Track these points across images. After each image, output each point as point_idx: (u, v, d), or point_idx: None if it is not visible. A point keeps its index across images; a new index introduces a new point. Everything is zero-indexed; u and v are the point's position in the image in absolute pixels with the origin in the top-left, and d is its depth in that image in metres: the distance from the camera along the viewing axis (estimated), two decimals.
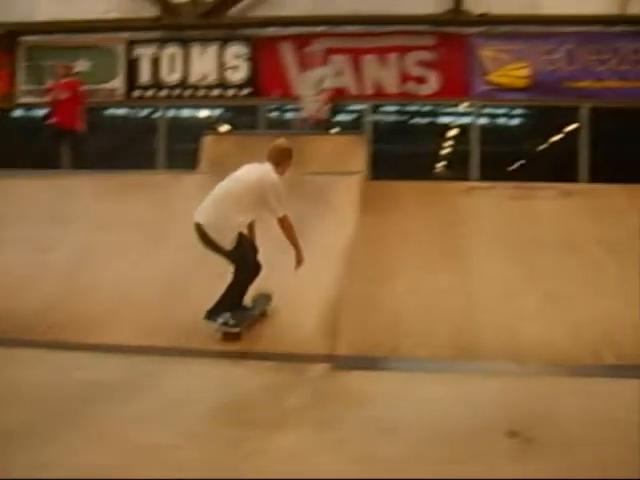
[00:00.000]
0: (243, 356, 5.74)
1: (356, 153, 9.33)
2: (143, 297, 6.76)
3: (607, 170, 12.27)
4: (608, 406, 4.40)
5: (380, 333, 5.86)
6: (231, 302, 6.16)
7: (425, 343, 5.73)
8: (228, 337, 6.07)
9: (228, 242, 6.11)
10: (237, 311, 6.19)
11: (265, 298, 6.57)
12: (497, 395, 4.65)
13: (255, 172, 6.36)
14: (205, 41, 13.06)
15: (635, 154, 12.93)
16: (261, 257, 6.37)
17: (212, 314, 6.10)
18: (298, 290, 6.50)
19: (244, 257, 6.20)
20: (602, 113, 12.81)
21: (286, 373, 5.33)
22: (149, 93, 13.26)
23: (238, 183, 6.34)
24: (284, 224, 6.27)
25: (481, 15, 12.50)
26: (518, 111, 14.68)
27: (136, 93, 13.31)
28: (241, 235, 6.24)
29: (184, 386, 4.96)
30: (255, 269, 6.30)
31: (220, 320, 6.07)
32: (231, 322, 6.07)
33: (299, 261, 6.30)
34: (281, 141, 6.62)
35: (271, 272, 6.37)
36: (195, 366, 5.52)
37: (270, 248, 6.61)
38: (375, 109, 13.61)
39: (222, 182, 6.45)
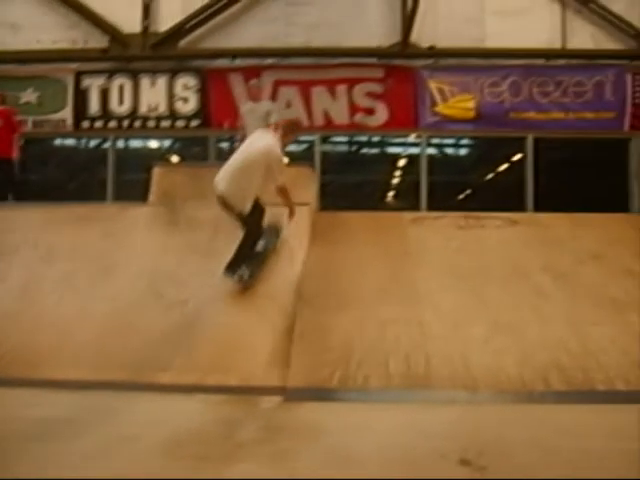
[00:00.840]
0: (194, 389, 5.66)
1: (306, 184, 9.37)
2: (91, 330, 6.64)
3: (552, 199, 12.56)
4: (558, 433, 4.45)
5: (332, 364, 5.84)
6: (245, 254, 7.03)
7: (377, 373, 5.73)
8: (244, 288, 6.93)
9: (248, 207, 6.98)
10: (251, 260, 7.08)
11: (275, 232, 7.53)
12: (449, 424, 4.67)
13: (263, 142, 7.16)
14: (155, 72, 13.05)
15: (578, 183, 13.28)
16: (213, 289, 6.34)
17: (230, 269, 6.93)
18: (248, 323, 6.48)
19: (259, 217, 7.16)
20: (546, 143, 13.11)
21: (238, 406, 5.28)
22: (98, 124, 13.17)
23: (251, 153, 7.13)
24: (282, 190, 7.10)
25: (429, 48, 12.76)
26: (465, 141, 14.94)
27: (85, 124, 13.20)
28: (257, 199, 7.09)
29: (134, 421, 4.87)
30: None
31: (236, 277, 6.92)
32: (246, 276, 6.97)
33: (291, 215, 7.31)
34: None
35: (222, 305, 6.34)
36: (145, 400, 5.43)
37: (220, 282, 6.58)
38: (325, 140, 13.70)
39: (236, 154, 7.35)
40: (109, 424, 4.71)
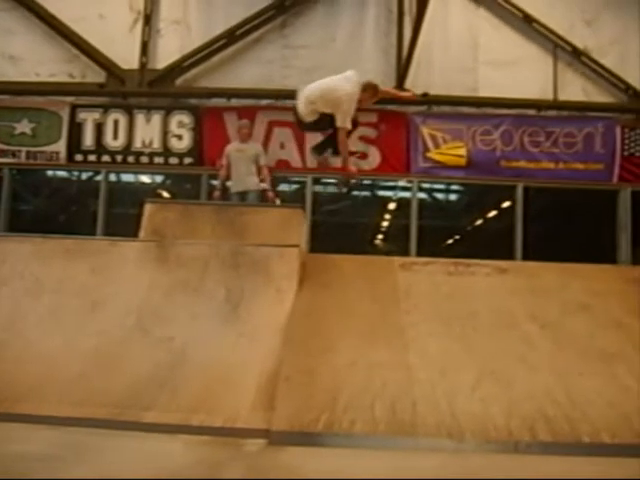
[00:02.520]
0: (177, 430, 5.60)
1: (296, 225, 9.39)
2: (76, 366, 6.57)
3: (540, 248, 12.64)
4: None
5: (318, 408, 5.80)
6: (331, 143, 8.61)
7: (363, 418, 5.69)
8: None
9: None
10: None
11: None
12: (434, 472, 4.64)
13: (346, 80, 8.45)
14: (150, 109, 13.13)
15: (567, 233, 13.38)
16: (200, 327, 6.31)
17: (317, 150, 8.94)
18: (235, 363, 6.44)
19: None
20: (536, 192, 13.23)
21: (222, 448, 5.22)
22: (92, 157, 13.20)
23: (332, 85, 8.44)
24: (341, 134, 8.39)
25: (423, 95, 12.91)
26: (456, 187, 15.06)
27: (78, 157, 13.22)
28: None
29: (115, 461, 4.80)
30: None
31: (321, 157, 8.89)
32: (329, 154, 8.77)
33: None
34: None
35: (209, 343, 6.31)
36: (127, 439, 5.35)
37: (209, 319, 6.56)
38: (317, 181, 13.77)
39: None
40: (88, 463, 4.64)
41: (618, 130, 13.28)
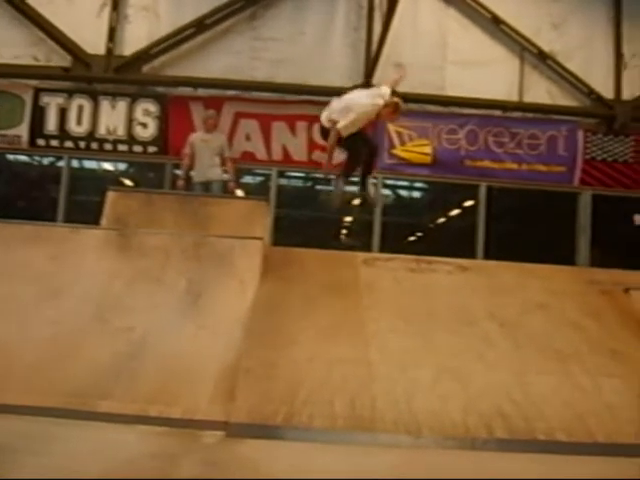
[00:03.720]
0: (134, 420, 5.55)
1: (260, 218, 9.36)
2: (32, 354, 6.46)
3: (501, 247, 12.77)
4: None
5: (277, 401, 5.80)
6: (345, 173, 8.90)
7: (322, 413, 5.70)
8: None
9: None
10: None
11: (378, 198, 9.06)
12: (391, 467, 4.67)
13: (371, 97, 8.65)
14: (116, 95, 12.97)
15: (528, 233, 13.54)
16: (161, 318, 6.26)
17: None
18: (195, 355, 6.40)
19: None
20: (499, 192, 13.35)
21: (179, 439, 5.18)
22: (54, 142, 13.00)
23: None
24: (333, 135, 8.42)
25: (391, 92, 12.91)
26: (420, 185, 15.12)
27: (41, 142, 13.02)
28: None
29: (69, 451, 4.74)
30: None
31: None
32: (337, 189, 8.98)
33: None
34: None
35: (169, 334, 6.27)
36: (82, 429, 5.28)
37: (170, 309, 6.52)
38: (281, 174, 13.73)
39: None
40: (42, 454, 4.57)
41: (581, 134, 13.47)
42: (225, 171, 11.28)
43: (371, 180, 8.97)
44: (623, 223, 13.61)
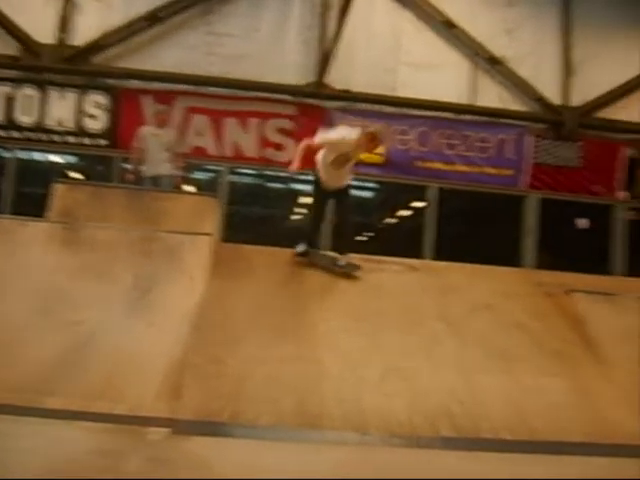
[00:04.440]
0: (79, 416, 5.45)
1: (210, 214, 9.28)
2: None
3: (450, 248, 12.90)
4: (441, 477, 4.53)
5: (224, 399, 5.77)
6: (306, 233, 8.64)
7: (269, 410, 5.69)
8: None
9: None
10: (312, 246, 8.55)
11: (352, 266, 8.32)
12: (338, 465, 4.68)
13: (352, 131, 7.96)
14: (65, 86, 12.73)
15: (476, 234, 13.70)
16: (107, 314, 6.17)
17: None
18: (142, 351, 6.33)
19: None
20: (449, 194, 13.48)
21: (124, 436, 5.11)
22: (1, 133, 12.71)
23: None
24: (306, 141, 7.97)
25: (343, 91, 13.00)
26: (371, 185, 15.18)
27: None
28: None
29: (10, 448, 4.63)
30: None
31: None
32: (299, 250, 8.49)
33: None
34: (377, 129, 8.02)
35: (116, 330, 6.19)
36: (26, 425, 5.18)
37: (117, 305, 6.44)
38: (233, 170, 13.66)
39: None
40: None
41: (529, 138, 13.69)
42: (175, 166, 11.16)
43: (341, 261, 8.45)
44: (568, 227, 13.89)
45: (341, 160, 7.97)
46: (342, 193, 8.29)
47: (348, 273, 8.36)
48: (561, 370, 7.08)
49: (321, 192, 8.33)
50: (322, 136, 7.96)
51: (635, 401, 6.70)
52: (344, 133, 7.94)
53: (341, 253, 8.47)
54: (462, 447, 5.49)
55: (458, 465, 4.95)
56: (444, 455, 5.27)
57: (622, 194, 13.86)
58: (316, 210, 8.53)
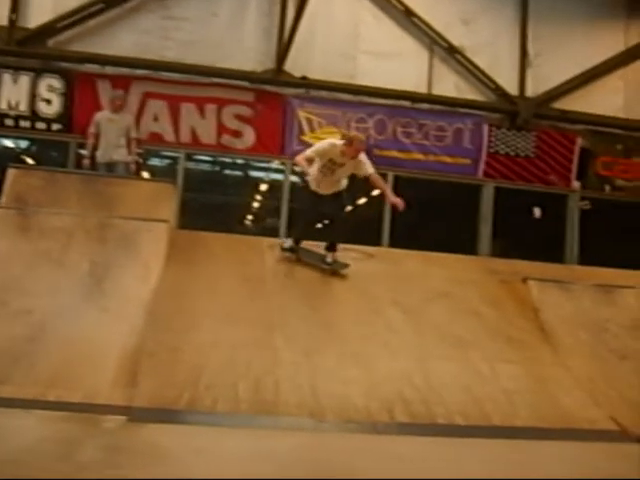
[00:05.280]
0: (33, 405, 5.38)
1: (166, 200, 9.19)
2: None
3: (407, 236, 12.99)
4: (398, 462, 4.58)
5: (180, 386, 5.76)
6: (294, 232, 8.86)
7: (226, 397, 5.70)
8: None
9: None
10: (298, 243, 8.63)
11: (340, 264, 8.39)
12: (294, 450, 4.70)
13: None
14: (18, 69, 12.46)
15: (433, 223, 13.82)
16: (62, 301, 6.10)
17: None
18: (97, 338, 6.27)
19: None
20: (406, 182, 13.54)
21: (79, 424, 5.06)
22: None
23: None
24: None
25: (302, 78, 12.96)
26: None
27: None
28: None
29: None
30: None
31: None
32: (286, 245, 8.66)
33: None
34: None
35: (70, 317, 6.12)
36: None
37: (72, 292, 6.37)
38: (190, 157, 13.54)
39: None
40: None
41: (485, 128, 13.80)
42: (130, 152, 11.02)
43: (328, 258, 8.49)
44: (523, 215, 14.07)
45: (329, 166, 8.20)
46: (336, 195, 8.48)
47: (335, 270, 8.41)
48: (515, 356, 7.21)
49: (312, 194, 8.46)
50: (311, 149, 8.27)
51: (587, 387, 6.86)
52: (329, 142, 8.23)
53: (329, 250, 8.52)
54: (417, 432, 5.57)
55: (413, 450, 5.01)
56: (399, 440, 5.33)
57: (575, 184, 14.08)
58: (306, 211, 8.81)
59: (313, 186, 8.40)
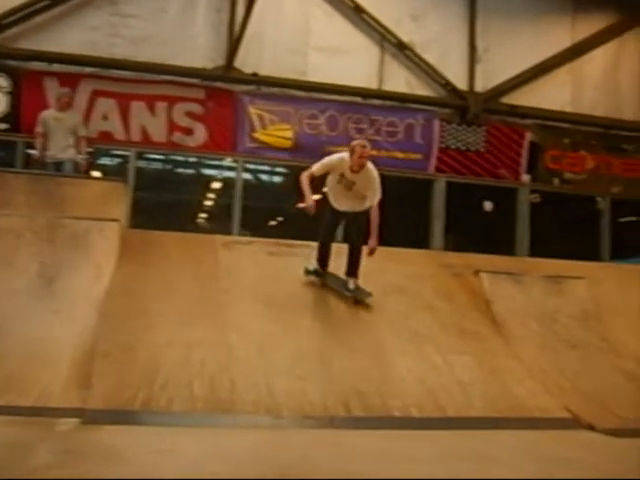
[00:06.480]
0: None
1: (117, 200, 9.08)
2: None
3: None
4: (353, 455, 4.60)
5: (135, 386, 5.69)
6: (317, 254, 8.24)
7: (181, 396, 5.65)
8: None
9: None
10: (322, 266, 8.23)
11: (363, 292, 7.92)
12: (251, 448, 4.69)
13: None
14: None
15: (386, 218, 13.88)
16: (11, 303, 5.99)
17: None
18: (48, 340, 6.17)
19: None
20: None
21: (32, 428, 4.96)
22: None
23: None
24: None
25: (252, 75, 12.92)
26: (281, 170, 15.17)
27: None
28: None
29: None
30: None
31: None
32: (310, 268, 8.23)
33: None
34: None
35: (21, 320, 6.02)
36: None
37: (22, 294, 6.27)
38: (140, 156, 13.39)
39: None
40: None
41: (436, 123, 13.94)
42: (79, 151, 10.85)
43: (350, 284, 7.98)
44: (475, 209, 14.24)
45: (344, 183, 7.89)
46: (356, 217, 7.96)
47: (358, 299, 7.96)
48: (469, 348, 7.30)
49: (331, 213, 8.14)
50: (318, 163, 7.93)
51: (539, 376, 6.98)
52: (339, 156, 7.93)
53: (349, 275, 8.06)
54: (373, 426, 5.60)
55: (368, 443, 5.04)
56: (356, 434, 5.36)
57: (525, 177, 14.30)
58: (324, 230, 8.26)
59: (331, 200, 8.12)
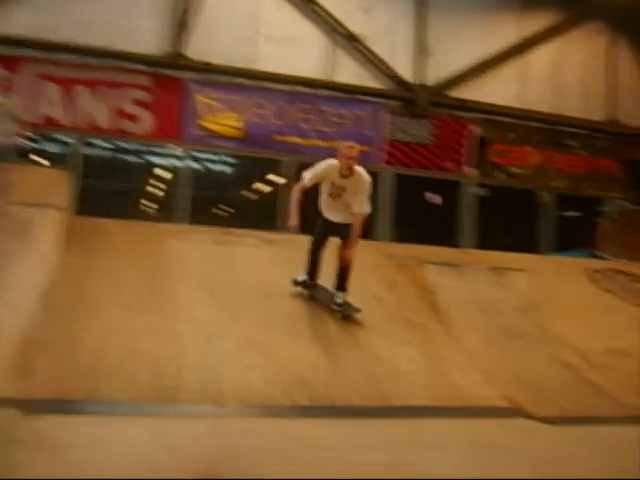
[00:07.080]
0: None
1: (61, 187, 8.95)
2: None
3: (307, 222, 13.05)
4: (297, 445, 4.63)
5: (78, 375, 5.62)
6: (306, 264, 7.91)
7: (126, 385, 5.60)
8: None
9: None
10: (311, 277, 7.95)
11: (351, 307, 7.65)
12: (195, 437, 4.68)
13: None
14: None
15: None
16: None
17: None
18: None
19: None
20: (306, 168, 13.58)
21: None
22: None
23: None
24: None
25: (201, 63, 12.82)
26: (228, 159, 15.09)
27: None
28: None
29: None
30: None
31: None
32: (299, 279, 7.94)
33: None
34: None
35: None
36: None
37: None
38: (86, 142, 13.18)
39: None
40: None
41: (385, 115, 14.04)
42: (20, 136, 10.61)
43: (338, 299, 7.71)
44: (421, 201, 14.40)
45: (334, 191, 7.71)
46: (348, 228, 7.70)
47: (344, 313, 7.69)
48: (414, 339, 7.38)
49: (323, 223, 7.93)
50: (308, 173, 7.71)
51: (482, 366, 7.10)
52: (328, 162, 7.67)
53: (338, 290, 7.78)
54: (318, 415, 5.64)
55: (312, 431, 5.07)
56: (301, 423, 5.38)
57: (470, 170, 14.49)
58: (315, 239, 7.95)
59: (323, 210, 7.93)
